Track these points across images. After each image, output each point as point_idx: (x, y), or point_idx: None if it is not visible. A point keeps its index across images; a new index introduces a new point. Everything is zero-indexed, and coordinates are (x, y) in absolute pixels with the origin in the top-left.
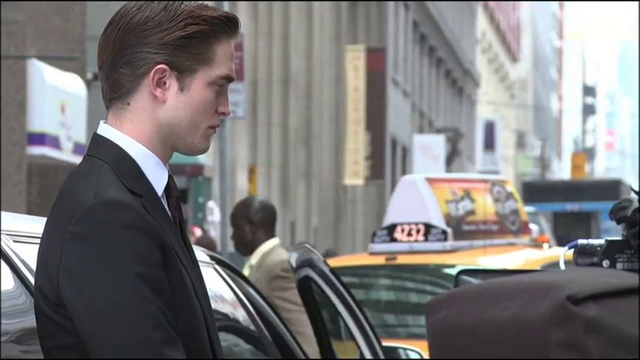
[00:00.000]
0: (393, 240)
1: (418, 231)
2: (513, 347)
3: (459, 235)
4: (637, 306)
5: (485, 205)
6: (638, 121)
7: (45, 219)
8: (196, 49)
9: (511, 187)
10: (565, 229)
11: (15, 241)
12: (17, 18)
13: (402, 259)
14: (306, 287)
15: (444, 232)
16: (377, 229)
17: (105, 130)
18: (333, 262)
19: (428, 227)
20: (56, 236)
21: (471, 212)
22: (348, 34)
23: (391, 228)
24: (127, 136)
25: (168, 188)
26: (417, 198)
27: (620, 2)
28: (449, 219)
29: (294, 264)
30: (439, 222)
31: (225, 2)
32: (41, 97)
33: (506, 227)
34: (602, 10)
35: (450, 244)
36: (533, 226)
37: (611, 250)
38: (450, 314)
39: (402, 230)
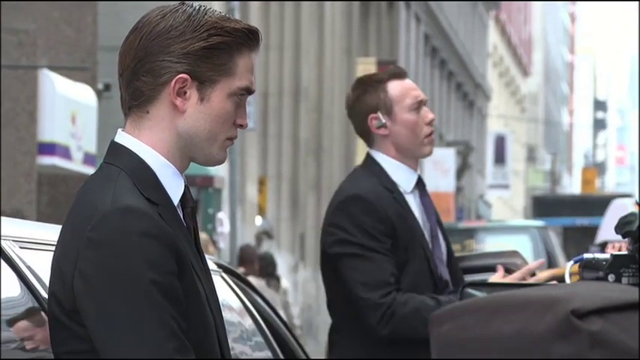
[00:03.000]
0: None
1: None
2: None
3: None
4: None
5: None
6: None
7: (53, 226)
8: (218, 60)
9: None
10: (575, 244)
11: (21, 248)
12: (28, 28)
13: None
14: None
15: None
16: (590, 245)
17: (123, 138)
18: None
19: None
20: (72, 242)
21: None
22: (360, 47)
23: (603, 245)
24: (145, 144)
25: (184, 198)
26: None
27: (631, 18)
28: None
29: None
30: None
31: (236, 12)
32: (52, 107)
33: None
34: (614, 25)
35: None
36: None
37: (617, 264)
38: (454, 328)
39: (613, 247)
